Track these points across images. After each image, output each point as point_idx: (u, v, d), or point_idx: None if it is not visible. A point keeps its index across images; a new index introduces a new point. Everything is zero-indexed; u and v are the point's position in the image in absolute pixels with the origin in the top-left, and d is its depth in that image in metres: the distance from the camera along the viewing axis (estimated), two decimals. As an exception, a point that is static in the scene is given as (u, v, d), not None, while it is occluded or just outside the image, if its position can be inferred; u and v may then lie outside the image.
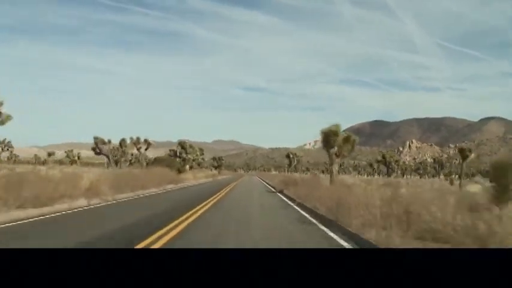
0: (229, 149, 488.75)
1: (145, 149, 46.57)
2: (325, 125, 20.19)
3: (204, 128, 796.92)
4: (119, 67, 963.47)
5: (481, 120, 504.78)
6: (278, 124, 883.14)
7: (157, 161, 39.00)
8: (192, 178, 38.58)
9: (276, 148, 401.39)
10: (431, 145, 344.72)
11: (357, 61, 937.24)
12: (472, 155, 40.96)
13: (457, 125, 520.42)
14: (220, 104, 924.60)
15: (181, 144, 49.91)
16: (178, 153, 48.52)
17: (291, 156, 60.35)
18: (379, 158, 62.79)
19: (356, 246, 6.69)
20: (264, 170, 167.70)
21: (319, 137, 20.64)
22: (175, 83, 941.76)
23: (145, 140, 46.61)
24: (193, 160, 51.96)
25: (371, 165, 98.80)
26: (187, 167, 48.04)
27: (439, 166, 79.61)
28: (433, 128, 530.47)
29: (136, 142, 45.83)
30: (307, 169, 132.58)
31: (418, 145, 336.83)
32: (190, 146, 50.94)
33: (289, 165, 63.71)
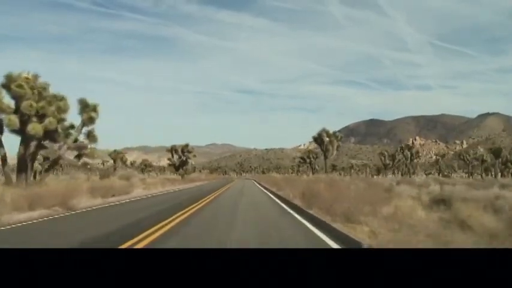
0: (223, 152, 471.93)
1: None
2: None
3: (197, 133, 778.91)
4: (109, 74, 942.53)
5: (479, 116, 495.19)
6: (272, 126, 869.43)
7: None
8: None
9: (271, 149, 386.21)
10: (435, 141, 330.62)
11: (349, 61, 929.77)
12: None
13: (453, 122, 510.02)
14: (213, 108, 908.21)
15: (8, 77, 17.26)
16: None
17: (326, 140, 33.02)
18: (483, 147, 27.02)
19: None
20: (263, 172, 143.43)
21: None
22: (169, 88, 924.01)
23: None
24: (47, 132, 17.62)
25: (467, 159, 60.46)
26: None
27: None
28: (430, 126, 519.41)
29: None
30: (350, 170, 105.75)
31: (421, 142, 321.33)
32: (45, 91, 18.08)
33: (312, 160, 46.10)
